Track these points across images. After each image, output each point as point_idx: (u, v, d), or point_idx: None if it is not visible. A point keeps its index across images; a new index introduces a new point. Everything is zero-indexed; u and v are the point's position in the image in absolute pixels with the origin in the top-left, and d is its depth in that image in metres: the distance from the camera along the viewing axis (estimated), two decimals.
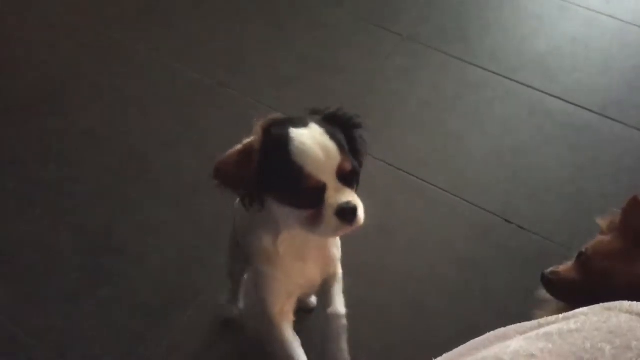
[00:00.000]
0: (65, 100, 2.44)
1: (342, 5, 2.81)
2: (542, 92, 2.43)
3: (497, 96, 2.44)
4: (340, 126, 1.07)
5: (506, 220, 2.06)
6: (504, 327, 0.67)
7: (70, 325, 1.83)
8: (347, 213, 1.01)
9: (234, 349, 1.78)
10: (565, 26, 2.69)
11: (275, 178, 1.00)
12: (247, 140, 1.03)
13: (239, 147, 1.04)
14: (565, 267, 1.27)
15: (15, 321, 1.84)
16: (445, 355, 0.67)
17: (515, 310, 1.74)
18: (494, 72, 2.50)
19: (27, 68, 2.57)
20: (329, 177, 1.00)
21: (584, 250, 1.23)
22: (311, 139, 0.99)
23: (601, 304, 0.61)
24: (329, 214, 1.01)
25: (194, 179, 2.13)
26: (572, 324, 0.58)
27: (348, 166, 1.02)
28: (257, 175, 1.01)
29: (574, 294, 1.22)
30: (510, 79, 2.48)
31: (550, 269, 1.28)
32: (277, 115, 1.08)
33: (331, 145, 0.99)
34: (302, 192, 1.00)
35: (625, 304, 0.59)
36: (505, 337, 0.62)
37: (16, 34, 2.71)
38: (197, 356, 1.76)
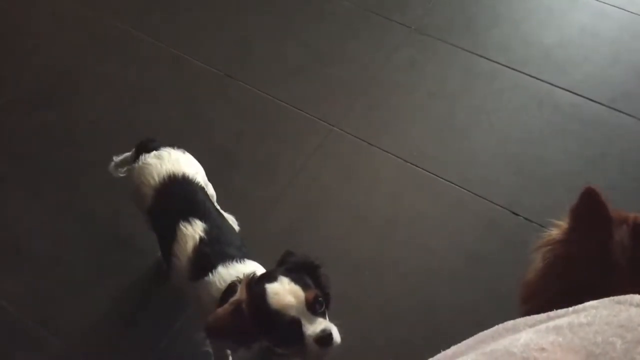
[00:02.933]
0: (72, 91, 2.45)
1: None
2: (551, 84, 2.42)
3: (505, 88, 2.42)
4: (304, 270, 1.30)
5: (513, 213, 2.05)
6: (512, 319, 0.67)
7: (79, 316, 1.84)
8: (324, 340, 1.22)
9: None
10: (574, 18, 2.67)
11: (262, 325, 1.23)
12: (233, 299, 1.26)
13: (226, 306, 1.26)
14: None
15: (24, 311, 1.85)
16: (453, 348, 0.67)
17: None
18: (502, 64, 2.49)
19: (34, 59, 2.57)
20: (301, 313, 1.22)
21: None
22: (281, 288, 1.23)
23: (611, 297, 0.61)
24: (310, 344, 1.21)
25: None
26: (582, 318, 0.57)
27: (312, 296, 1.24)
28: (251, 327, 1.23)
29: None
30: (519, 71, 2.47)
31: None
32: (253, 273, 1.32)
33: (297, 288, 1.23)
34: (282, 330, 1.22)
35: (636, 297, 0.59)
36: (515, 330, 0.61)
37: (23, 25, 2.71)
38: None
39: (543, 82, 2.43)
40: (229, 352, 1.64)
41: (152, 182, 1.57)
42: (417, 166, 2.19)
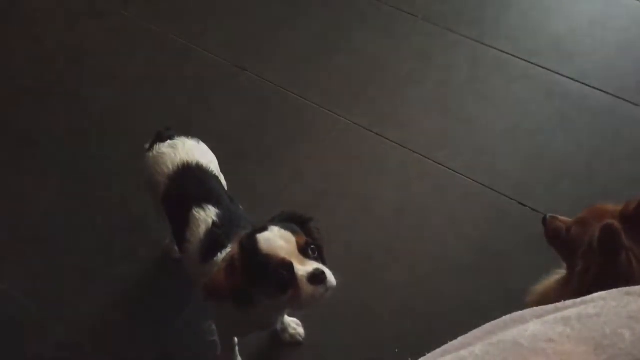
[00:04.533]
0: (79, 80, 2.45)
1: None
2: (559, 74, 2.40)
3: (513, 78, 2.41)
4: (296, 223, 1.33)
5: (520, 203, 2.04)
6: (520, 310, 0.67)
7: (85, 303, 1.85)
8: (317, 277, 1.23)
9: None
10: (583, 7, 2.64)
11: (254, 272, 1.26)
12: (226, 256, 1.32)
13: (220, 264, 1.32)
14: (565, 219, 1.39)
15: (31, 296, 1.86)
16: (460, 339, 0.67)
17: None
18: (510, 54, 2.47)
19: (41, 49, 2.57)
20: (292, 256, 1.24)
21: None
22: (272, 235, 1.26)
23: (620, 289, 0.60)
24: (303, 283, 1.23)
25: None
26: (590, 309, 0.57)
27: (303, 240, 1.27)
28: (245, 279, 1.26)
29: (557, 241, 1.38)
30: (527, 61, 2.45)
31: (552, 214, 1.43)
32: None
33: (287, 233, 1.27)
34: (275, 272, 1.23)
35: None
36: (522, 321, 0.61)
37: (27, 16, 2.71)
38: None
39: (551, 72, 2.41)
40: (236, 340, 1.64)
41: (165, 171, 1.58)
42: (423, 156, 2.18)
